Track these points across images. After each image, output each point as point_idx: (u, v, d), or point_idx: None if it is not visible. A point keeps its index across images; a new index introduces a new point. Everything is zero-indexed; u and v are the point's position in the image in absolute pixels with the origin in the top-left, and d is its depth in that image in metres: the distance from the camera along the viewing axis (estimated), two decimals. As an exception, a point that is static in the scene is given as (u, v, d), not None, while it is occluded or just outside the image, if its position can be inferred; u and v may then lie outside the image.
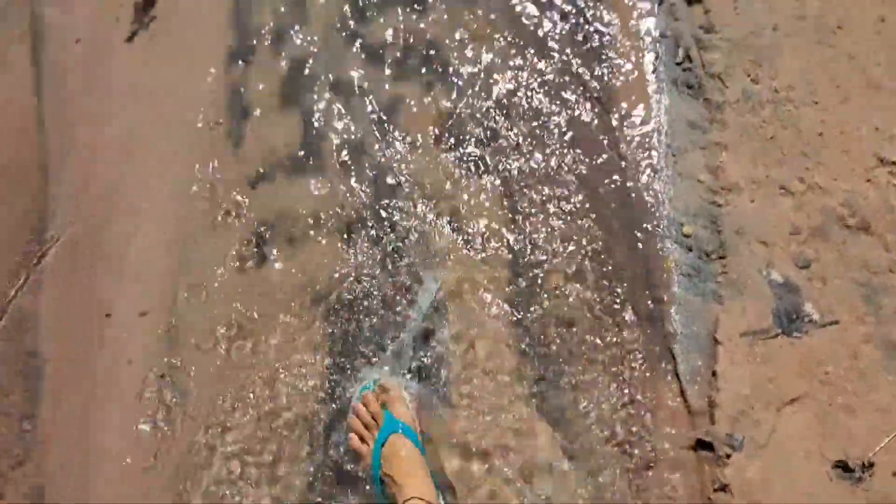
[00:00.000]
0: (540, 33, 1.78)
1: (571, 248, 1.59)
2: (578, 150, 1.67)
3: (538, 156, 1.68)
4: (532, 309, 1.55)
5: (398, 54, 1.79)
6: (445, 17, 1.81)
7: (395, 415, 1.39)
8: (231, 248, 1.68)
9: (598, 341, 1.51)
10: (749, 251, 1.51)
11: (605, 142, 1.67)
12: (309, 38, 1.82)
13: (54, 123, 1.77)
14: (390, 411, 1.40)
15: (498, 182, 1.66)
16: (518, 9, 1.80)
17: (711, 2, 1.73)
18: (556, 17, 1.79)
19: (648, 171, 1.63)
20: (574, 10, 1.79)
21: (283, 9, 1.85)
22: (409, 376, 1.52)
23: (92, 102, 1.79)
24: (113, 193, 1.75)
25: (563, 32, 1.77)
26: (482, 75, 1.76)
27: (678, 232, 1.57)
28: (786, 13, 1.69)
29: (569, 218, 1.62)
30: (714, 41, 1.68)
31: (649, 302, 1.52)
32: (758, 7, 1.70)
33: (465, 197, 1.66)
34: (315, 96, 1.77)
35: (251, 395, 1.55)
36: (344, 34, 1.82)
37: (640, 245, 1.57)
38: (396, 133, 1.73)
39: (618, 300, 1.53)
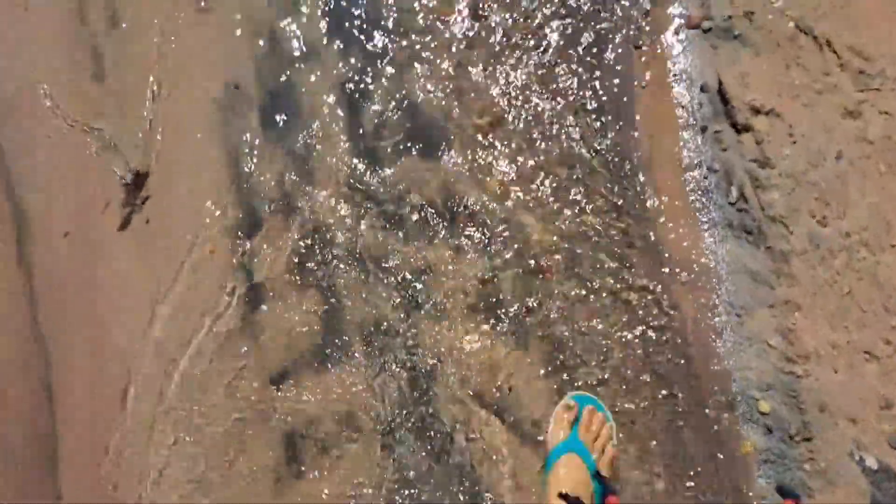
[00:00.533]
0: (569, 168, 1.60)
1: (632, 428, 1.44)
2: (627, 315, 1.50)
3: (583, 323, 1.51)
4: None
5: (419, 214, 1.62)
6: (468, 171, 1.62)
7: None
8: (263, 459, 1.53)
9: (676, 542, 1.37)
10: (837, 431, 1.35)
11: (657, 303, 1.50)
12: (319, 205, 1.64)
13: (51, 331, 1.62)
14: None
15: (544, 360, 1.51)
16: (541, 151, 1.62)
17: (763, 129, 1.54)
18: (585, 149, 1.60)
19: (710, 334, 1.47)
20: (602, 142, 1.60)
21: (287, 174, 1.66)
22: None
23: (86, 301, 1.64)
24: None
25: (595, 165, 1.59)
26: (513, 236, 1.58)
27: (753, 408, 1.41)
28: (848, 136, 1.50)
29: (623, 394, 1.46)
30: (772, 178, 1.50)
31: (728, 496, 1.37)
32: (816, 132, 1.51)
33: (513, 381, 1.50)
34: (333, 271, 1.60)
35: None
36: (357, 197, 1.64)
37: (711, 426, 1.42)
38: (427, 308, 1.57)
39: (691, 495, 1.38)
